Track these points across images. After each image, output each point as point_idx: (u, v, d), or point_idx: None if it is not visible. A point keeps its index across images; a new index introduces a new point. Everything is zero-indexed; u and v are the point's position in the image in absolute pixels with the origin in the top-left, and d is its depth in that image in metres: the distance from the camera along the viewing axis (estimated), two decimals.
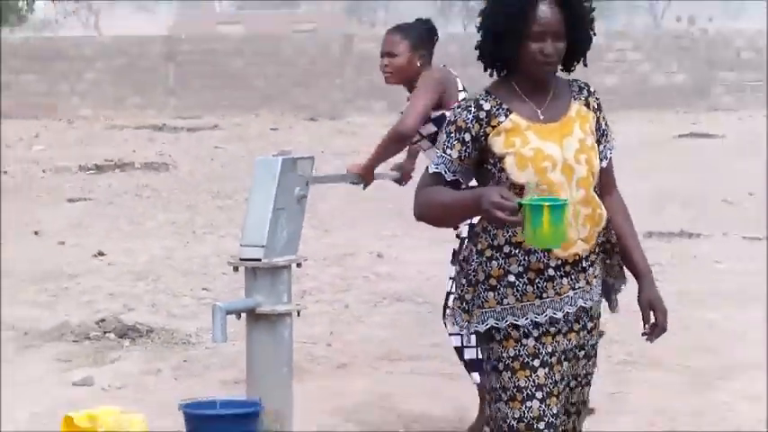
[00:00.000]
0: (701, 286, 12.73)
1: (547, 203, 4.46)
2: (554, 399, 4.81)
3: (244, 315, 6.90)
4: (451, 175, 4.84)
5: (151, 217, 18.82)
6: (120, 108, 45.47)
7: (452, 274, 7.44)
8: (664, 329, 5.00)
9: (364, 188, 8.10)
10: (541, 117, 4.82)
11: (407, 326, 11.20)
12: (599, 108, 4.98)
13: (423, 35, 7.80)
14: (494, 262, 4.82)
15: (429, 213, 4.86)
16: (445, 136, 4.86)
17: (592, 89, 5.00)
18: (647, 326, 4.95)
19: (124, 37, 53.28)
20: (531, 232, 4.49)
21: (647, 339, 4.98)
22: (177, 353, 10.30)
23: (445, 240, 8.03)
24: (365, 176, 7.86)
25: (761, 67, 41.72)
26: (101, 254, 15.17)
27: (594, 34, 4.88)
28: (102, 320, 11.09)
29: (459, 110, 4.86)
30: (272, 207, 6.87)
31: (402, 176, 8.08)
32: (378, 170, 7.95)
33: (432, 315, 11.27)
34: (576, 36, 4.82)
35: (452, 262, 7.52)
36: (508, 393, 4.80)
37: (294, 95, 45.84)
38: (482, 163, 4.84)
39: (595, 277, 4.92)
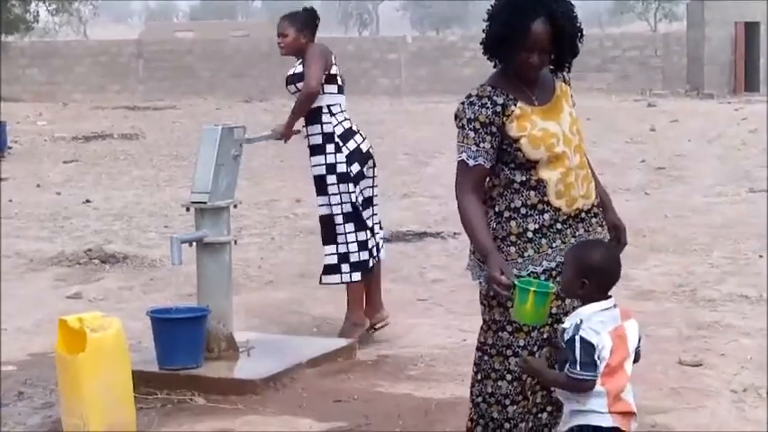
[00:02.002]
0: None
1: (533, 288, 4.22)
2: (547, 327, 4.51)
3: (195, 244, 6.81)
4: (489, 164, 4.50)
5: (126, 173, 18.64)
6: (103, 93, 45.10)
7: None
8: (624, 244, 4.82)
9: (285, 142, 8.03)
10: (536, 102, 4.54)
11: (318, 252, 11.03)
12: (569, 81, 4.74)
13: (306, 19, 7.77)
14: (512, 222, 4.51)
15: (461, 213, 4.50)
16: (473, 132, 4.47)
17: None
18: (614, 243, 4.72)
19: (105, 41, 52.81)
20: (517, 308, 4.26)
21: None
22: (145, 273, 10.19)
23: None
24: (286, 133, 7.79)
25: None
26: (88, 201, 15.04)
27: (579, 48, 4.56)
28: (90, 250, 11.00)
29: (477, 107, 4.48)
30: (215, 163, 6.78)
31: (282, 136, 7.98)
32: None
33: None
34: (563, 48, 4.54)
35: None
36: (513, 326, 4.50)
37: (233, 84, 45.64)
38: (499, 145, 4.51)
39: (592, 225, 4.64)
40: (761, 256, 10.35)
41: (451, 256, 10.48)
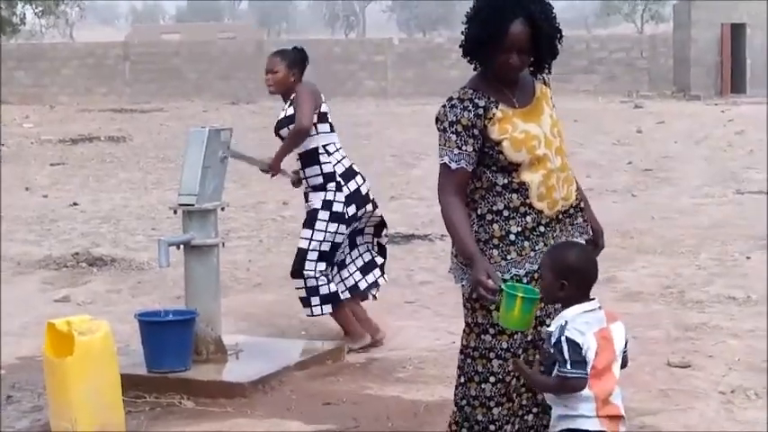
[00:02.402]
0: None
1: (521, 294, 4.20)
2: (531, 329, 4.50)
3: (182, 247, 6.80)
4: (471, 167, 4.48)
5: (113, 176, 18.62)
6: (89, 95, 45.00)
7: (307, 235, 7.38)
8: (602, 247, 4.80)
9: (271, 177, 7.98)
10: (517, 104, 4.52)
11: None
12: (549, 82, 4.73)
13: (296, 59, 7.63)
14: (495, 225, 4.50)
15: (444, 216, 4.47)
16: (454, 135, 4.45)
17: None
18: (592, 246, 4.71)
19: (92, 43, 52.65)
20: (504, 314, 4.23)
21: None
22: (133, 276, 10.18)
23: None
24: (274, 167, 7.69)
25: None
26: (75, 204, 15.03)
27: (559, 49, 4.55)
28: (77, 253, 11.00)
29: (459, 110, 4.46)
30: (202, 165, 6.77)
31: (299, 181, 7.94)
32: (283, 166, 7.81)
33: None
34: (542, 50, 4.50)
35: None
36: (496, 329, 4.49)
37: (219, 86, 45.56)
38: (480, 147, 4.49)
39: (573, 226, 4.64)
40: (748, 258, 10.37)
41: (439, 259, 10.47)
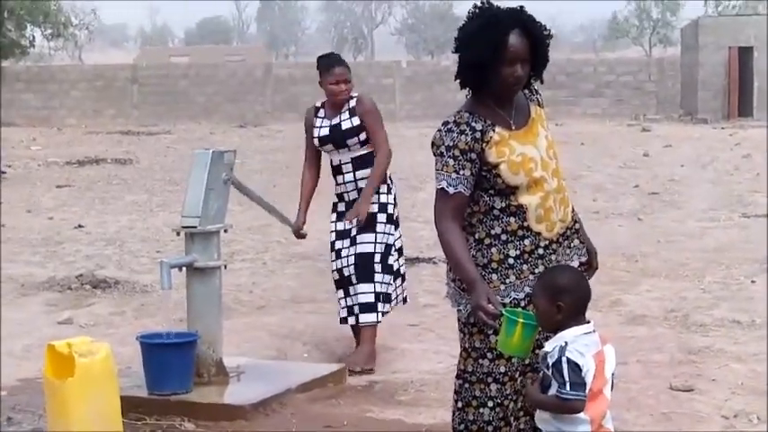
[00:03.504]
0: None
1: (521, 320, 4.18)
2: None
3: (185, 269, 6.80)
4: (469, 191, 4.45)
5: (119, 198, 18.65)
6: (97, 118, 45.13)
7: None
8: (596, 268, 4.77)
9: (297, 237, 8.22)
10: (513, 126, 4.49)
11: (309, 277, 11.13)
12: (543, 103, 4.70)
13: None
14: (493, 248, 4.47)
15: (443, 242, 4.47)
16: (452, 160, 4.41)
17: (536, 88, 4.67)
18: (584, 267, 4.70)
19: (100, 65, 52.88)
20: (503, 339, 4.20)
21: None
22: (137, 299, 10.18)
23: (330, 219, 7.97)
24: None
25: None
26: (80, 226, 15.04)
27: (548, 58, 4.55)
28: (81, 275, 10.99)
29: (456, 134, 4.43)
30: (205, 187, 6.77)
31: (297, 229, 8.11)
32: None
33: (328, 269, 11.17)
34: (537, 59, 4.50)
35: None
36: (494, 353, 4.47)
37: (227, 109, 45.65)
38: (478, 171, 4.46)
39: (571, 248, 4.62)
40: (753, 281, 10.34)
41: (443, 282, 10.38)
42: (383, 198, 7.63)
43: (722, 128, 34.71)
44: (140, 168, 24.08)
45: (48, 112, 46.07)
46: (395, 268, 7.70)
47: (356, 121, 7.62)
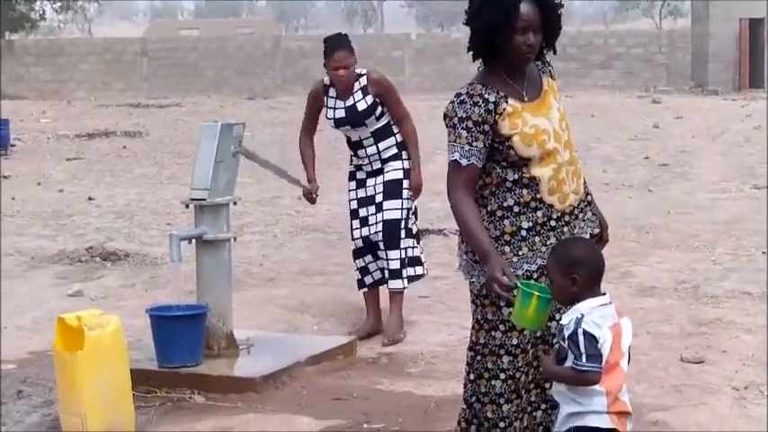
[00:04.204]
0: None
1: (536, 293, 4.15)
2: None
3: (194, 241, 6.79)
4: (481, 163, 4.42)
5: (129, 171, 18.65)
6: (107, 91, 45.17)
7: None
8: (606, 241, 4.74)
9: (314, 199, 8.14)
10: (526, 98, 4.46)
11: (319, 249, 11.12)
12: (555, 75, 4.68)
13: (351, 44, 7.67)
14: (506, 221, 4.45)
15: (456, 218, 4.44)
16: (465, 131, 4.38)
17: (548, 60, 4.64)
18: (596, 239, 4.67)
19: (110, 38, 52.89)
20: (518, 311, 4.18)
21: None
22: (147, 271, 10.17)
23: (348, 187, 7.94)
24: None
25: None
26: (90, 198, 15.04)
27: (561, 26, 4.53)
28: (91, 248, 10.99)
29: (469, 106, 4.40)
30: (214, 160, 6.74)
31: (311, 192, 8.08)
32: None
33: (338, 241, 11.24)
34: (549, 28, 4.47)
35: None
36: (506, 325, 4.47)
37: (237, 81, 45.66)
38: (490, 143, 4.43)
39: (584, 221, 4.61)
40: (764, 253, 10.30)
41: (453, 254, 10.28)
42: (406, 164, 7.66)
43: (733, 99, 34.60)
44: (150, 141, 24.07)
45: (57, 86, 46.11)
46: (414, 231, 7.73)
47: (369, 99, 7.59)
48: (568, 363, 4.12)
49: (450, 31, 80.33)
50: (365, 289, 7.81)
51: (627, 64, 44.41)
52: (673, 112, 28.62)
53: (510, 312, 4.33)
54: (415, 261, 7.72)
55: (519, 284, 4.20)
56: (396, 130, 7.68)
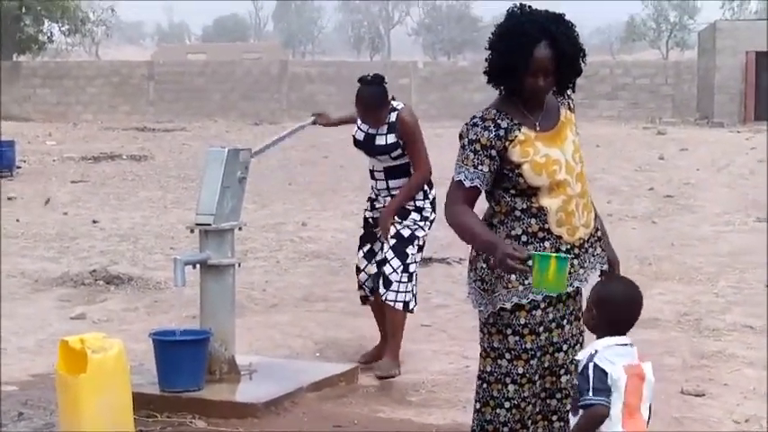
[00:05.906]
0: None
1: (554, 255, 4.20)
2: (548, 356, 4.54)
3: (198, 266, 6.81)
4: (484, 187, 4.48)
5: (133, 195, 18.66)
6: (113, 114, 45.24)
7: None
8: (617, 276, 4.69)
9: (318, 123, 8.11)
10: (538, 128, 4.50)
11: (322, 276, 11.14)
12: (574, 108, 4.73)
13: (383, 96, 7.49)
14: None
15: (456, 227, 4.45)
16: (472, 154, 4.44)
17: (569, 92, 4.70)
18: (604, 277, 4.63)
19: (117, 61, 52.98)
20: (538, 277, 4.19)
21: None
22: (150, 295, 10.19)
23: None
24: (389, 212, 7.46)
25: None
26: (95, 221, 15.05)
27: (582, 67, 4.54)
28: (95, 271, 11.00)
29: (480, 129, 4.46)
30: (220, 185, 6.77)
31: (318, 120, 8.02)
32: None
33: (341, 268, 11.27)
34: (565, 70, 4.49)
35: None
36: (512, 354, 4.50)
37: (243, 106, 45.71)
38: (500, 170, 4.48)
39: (594, 256, 4.62)
40: (766, 286, 10.32)
41: (456, 282, 10.45)
42: (419, 203, 7.45)
43: (738, 132, 34.64)
44: (155, 165, 24.11)
45: (64, 108, 46.19)
46: (411, 270, 7.58)
47: (392, 138, 7.42)
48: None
49: (456, 59, 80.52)
50: (367, 301, 7.73)
51: (633, 95, 44.45)
52: (678, 144, 28.66)
53: (530, 284, 4.34)
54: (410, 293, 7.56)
55: (534, 254, 4.22)
56: (412, 172, 7.46)
